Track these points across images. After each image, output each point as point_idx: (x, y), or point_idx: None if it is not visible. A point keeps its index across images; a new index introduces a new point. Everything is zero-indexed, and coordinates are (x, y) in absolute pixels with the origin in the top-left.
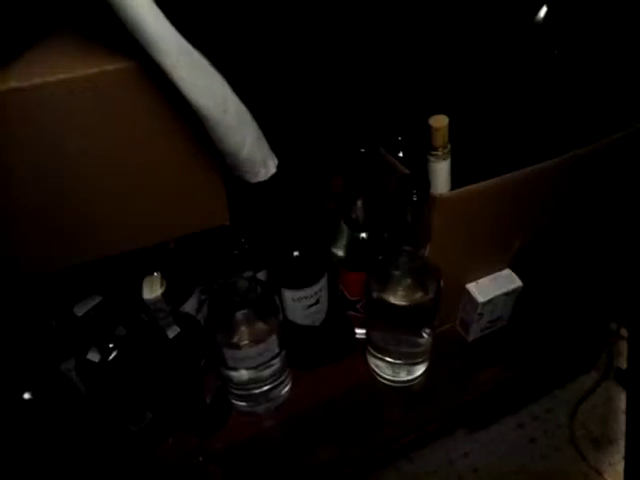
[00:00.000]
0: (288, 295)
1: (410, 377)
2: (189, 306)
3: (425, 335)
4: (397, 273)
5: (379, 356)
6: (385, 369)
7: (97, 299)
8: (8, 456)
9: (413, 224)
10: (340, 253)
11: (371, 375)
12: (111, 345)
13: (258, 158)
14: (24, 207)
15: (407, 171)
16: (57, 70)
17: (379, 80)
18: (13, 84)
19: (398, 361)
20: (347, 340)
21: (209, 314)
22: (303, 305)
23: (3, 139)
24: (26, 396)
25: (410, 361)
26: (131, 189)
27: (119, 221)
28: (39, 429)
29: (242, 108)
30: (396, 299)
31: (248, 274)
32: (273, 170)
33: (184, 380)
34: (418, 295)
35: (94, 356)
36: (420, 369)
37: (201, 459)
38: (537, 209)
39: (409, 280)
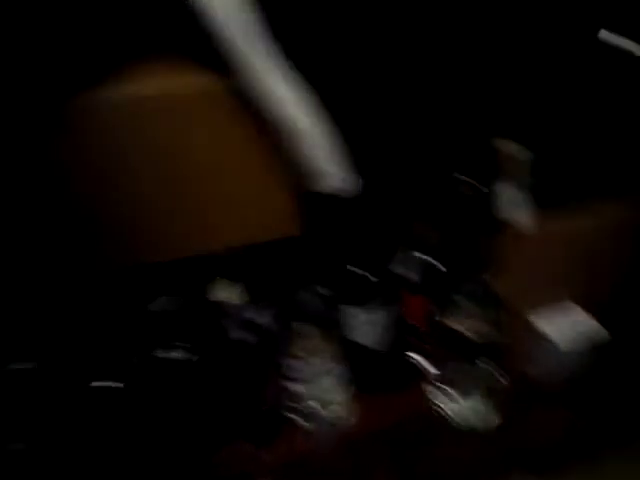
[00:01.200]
0: (350, 312)
1: (470, 412)
2: (257, 315)
3: (488, 367)
4: (461, 299)
5: (439, 386)
6: (445, 401)
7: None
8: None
9: (483, 252)
10: (405, 275)
11: (429, 406)
12: (186, 346)
13: (333, 170)
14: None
15: (481, 196)
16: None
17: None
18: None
19: (458, 393)
20: (406, 366)
21: (274, 324)
22: (364, 323)
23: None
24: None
25: (471, 394)
26: (214, 195)
27: (196, 225)
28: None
29: (324, 121)
30: (458, 326)
31: (313, 288)
32: (347, 185)
33: (246, 386)
34: (481, 324)
35: (164, 354)
36: (482, 405)
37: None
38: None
39: (473, 308)
